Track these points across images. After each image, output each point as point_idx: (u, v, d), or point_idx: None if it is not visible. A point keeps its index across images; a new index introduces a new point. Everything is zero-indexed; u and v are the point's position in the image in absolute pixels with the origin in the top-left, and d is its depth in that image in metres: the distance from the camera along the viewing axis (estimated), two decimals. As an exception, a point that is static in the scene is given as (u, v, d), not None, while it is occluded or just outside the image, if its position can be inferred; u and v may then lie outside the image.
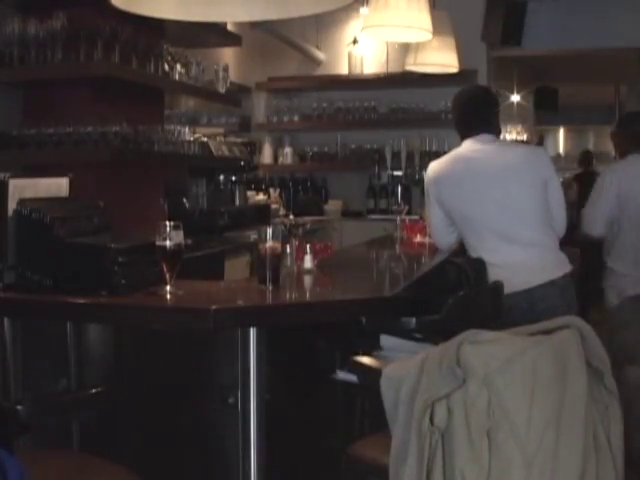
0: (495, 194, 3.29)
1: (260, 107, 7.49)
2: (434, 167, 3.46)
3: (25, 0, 3.74)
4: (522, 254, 3.27)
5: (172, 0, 2.21)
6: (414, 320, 2.51)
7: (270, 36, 6.58)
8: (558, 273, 3.28)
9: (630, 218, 4.11)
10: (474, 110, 3.48)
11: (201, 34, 4.53)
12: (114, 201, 3.04)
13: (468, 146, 3.42)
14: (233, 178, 5.39)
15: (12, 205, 2.39)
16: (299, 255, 2.88)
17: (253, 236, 4.46)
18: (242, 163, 5.34)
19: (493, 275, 3.13)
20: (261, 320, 2.31)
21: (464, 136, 3.46)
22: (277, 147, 7.60)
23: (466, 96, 3.56)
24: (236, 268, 4.51)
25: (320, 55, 7.44)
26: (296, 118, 7.44)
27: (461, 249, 3.53)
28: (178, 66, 4.19)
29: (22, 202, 2.40)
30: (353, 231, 6.53)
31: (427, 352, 1.61)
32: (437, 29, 4.68)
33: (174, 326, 2.32)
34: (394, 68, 7.02)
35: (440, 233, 3.52)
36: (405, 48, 5.83)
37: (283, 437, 2.45)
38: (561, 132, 15.19)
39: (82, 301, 2.33)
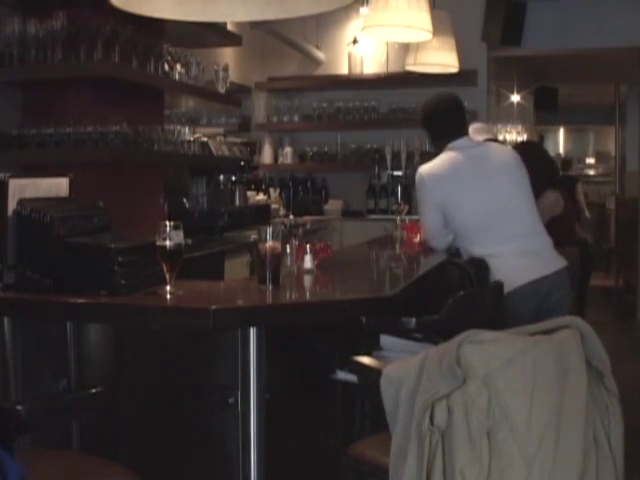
0: (500, 189, 3.35)
1: (260, 107, 7.50)
2: (429, 170, 3.43)
3: (25, 0, 3.74)
4: (534, 243, 3.34)
5: (170, 0, 2.21)
6: (414, 320, 2.51)
7: (270, 36, 6.59)
8: (564, 263, 3.37)
9: None
10: (458, 115, 3.53)
11: (201, 34, 4.52)
12: (114, 201, 3.04)
13: (457, 148, 3.43)
14: (233, 178, 5.39)
15: (12, 205, 2.39)
16: (299, 255, 2.88)
17: (253, 236, 4.47)
18: (242, 163, 5.34)
19: (504, 266, 3.15)
20: (261, 320, 2.31)
21: (446, 141, 3.45)
22: (277, 147, 7.61)
23: (448, 103, 3.56)
24: (236, 268, 4.51)
25: (320, 55, 7.44)
26: (296, 118, 7.45)
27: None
28: (178, 66, 4.19)
29: (22, 202, 2.40)
30: (353, 231, 6.54)
31: (427, 352, 1.61)
32: (437, 29, 4.69)
33: (174, 326, 2.31)
34: (394, 68, 7.03)
35: (439, 235, 3.53)
36: (405, 48, 5.83)
37: (283, 437, 2.45)
38: (561, 132, 15.21)
39: (82, 301, 2.33)
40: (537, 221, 3.41)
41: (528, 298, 3.15)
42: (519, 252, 3.26)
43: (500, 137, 7.76)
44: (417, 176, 3.47)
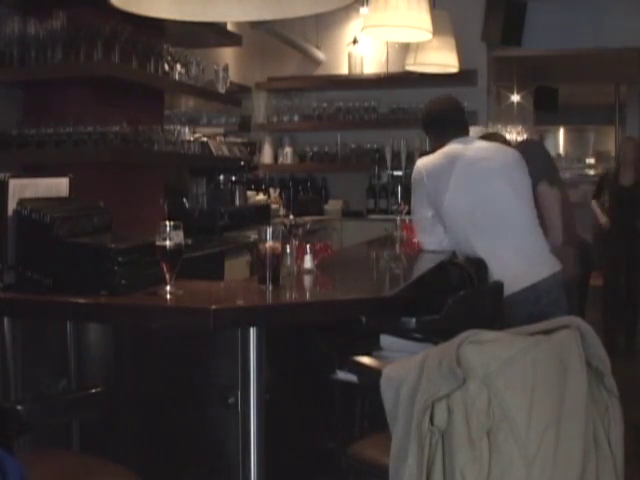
0: (498, 192, 3.32)
1: (260, 107, 7.49)
2: (426, 163, 3.41)
3: (25, 0, 3.74)
4: (530, 250, 3.32)
5: (169, 0, 2.21)
6: (414, 320, 2.51)
7: (270, 36, 6.59)
8: (558, 267, 3.34)
9: None
10: (459, 115, 3.55)
11: (201, 34, 4.52)
12: (114, 201, 3.04)
13: (458, 145, 3.42)
14: (233, 178, 5.39)
15: (12, 205, 2.39)
16: (299, 255, 2.88)
17: (253, 236, 4.47)
18: (242, 163, 5.34)
19: (500, 269, 3.13)
20: (261, 320, 2.31)
21: (447, 140, 3.45)
22: (277, 147, 7.61)
23: (448, 105, 3.58)
24: (236, 268, 4.51)
25: (320, 55, 7.44)
26: (296, 118, 7.45)
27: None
28: (178, 66, 4.19)
29: (22, 202, 2.40)
30: (353, 231, 6.54)
31: (427, 352, 1.61)
32: (437, 29, 4.68)
33: (174, 326, 2.32)
34: (394, 68, 7.03)
35: (426, 230, 3.51)
36: (405, 48, 5.84)
37: (283, 437, 2.45)
38: (561, 132, 15.21)
39: (82, 301, 2.33)
40: (535, 227, 3.38)
41: (518, 305, 3.13)
42: (513, 258, 3.24)
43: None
44: (415, 169, 3.46)
